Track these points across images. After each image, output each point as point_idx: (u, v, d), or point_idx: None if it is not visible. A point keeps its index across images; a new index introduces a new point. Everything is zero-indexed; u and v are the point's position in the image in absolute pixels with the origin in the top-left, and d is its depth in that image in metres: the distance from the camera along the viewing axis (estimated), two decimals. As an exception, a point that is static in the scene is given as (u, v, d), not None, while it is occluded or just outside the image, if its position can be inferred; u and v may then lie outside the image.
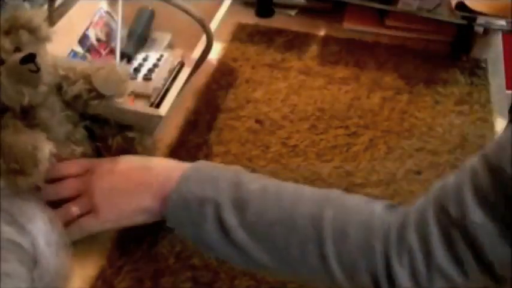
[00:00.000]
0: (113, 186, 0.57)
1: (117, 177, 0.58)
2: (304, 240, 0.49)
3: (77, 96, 0.64)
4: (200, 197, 0.51)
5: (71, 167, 0.61)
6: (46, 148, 0.58)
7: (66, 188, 0.60)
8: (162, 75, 0.83)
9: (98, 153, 0.70)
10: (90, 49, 0.86)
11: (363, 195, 0.53)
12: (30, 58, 0.56)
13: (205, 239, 0.52)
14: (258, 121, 0.79)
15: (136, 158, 0.61)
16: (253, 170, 0.71)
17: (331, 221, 0.49)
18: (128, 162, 0.60)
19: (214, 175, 0.54)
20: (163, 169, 0.57)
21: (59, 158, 0.60)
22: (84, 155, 0.67)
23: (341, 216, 0.49)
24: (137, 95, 0.81)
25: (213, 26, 0.79)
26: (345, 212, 0.50)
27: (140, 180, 0.57)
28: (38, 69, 0.57)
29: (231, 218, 0.50)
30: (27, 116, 0.61)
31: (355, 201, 0.52)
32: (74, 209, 0.58)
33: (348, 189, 0.69)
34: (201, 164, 0.57)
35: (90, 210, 0.57)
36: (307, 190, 0.53)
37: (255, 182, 0.53)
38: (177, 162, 0.58)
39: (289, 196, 0.52)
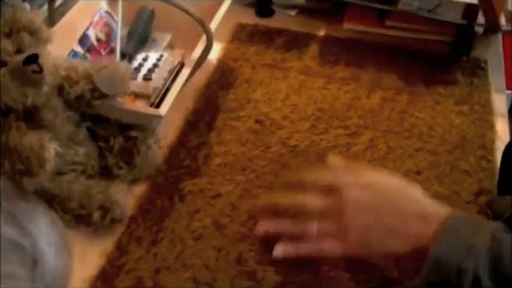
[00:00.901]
0: (366, 226, 0.55)
1: (370, 217, 0.55)
2: None
3: (80, 97, 0.64)
4: (458, 266, 0.50)
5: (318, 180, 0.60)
6: (52, 147, 0.58)
7: (312, 204, 0.58)
8: (162, 75, 0.83)
9: (100, 154, 0.70)
10: (90, 49, 0.86)
11: None
12: (33, 59, 0.56)
13: None
14: (258, 121, 0.79)
15: (385, 194, 0.56)
16: (253, 170, 0.72)
17: None
18: (377, 197, 0.56)
19: (473, 241, 0.51)
20: (417, 216, 0.54)
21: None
22: (87, 156, 0.68)
23: None
24: (137, 95, 0.81)
25: (213, 26, 0.79)
26: None
27: (393, 224, 0.54)
28: (41, 70, 0.57)
29: None
30: (31, 117, 0.61)
31: None
32: (318, 228, 0.57)
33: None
34: (457, 220, 0.53)
35: (333, 235, 0.56)
36: None
37: None
38: (430, 205, 0.55)
39: None
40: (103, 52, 0.88)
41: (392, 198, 0.56)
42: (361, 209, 0.56)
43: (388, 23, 0.97)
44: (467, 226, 0.53)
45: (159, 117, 0.69)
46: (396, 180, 0.58)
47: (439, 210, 0.55)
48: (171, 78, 0.82)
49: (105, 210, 0.63)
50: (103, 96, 0.64)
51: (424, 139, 0.76)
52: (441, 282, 0.51)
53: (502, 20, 0.89)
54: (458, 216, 0.54)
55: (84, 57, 0.84)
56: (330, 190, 0.58)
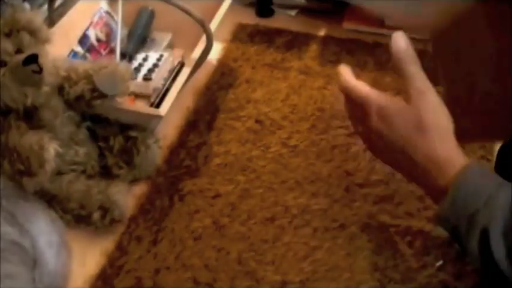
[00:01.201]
0: (382, 153, 0.58)
1: (385, 148, 0.57)
2: None
3: (80, 97, 0.64)
4: (470, 217, 0.49)
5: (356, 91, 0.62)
6: (51, 148, 0.58)
7: (349, 110, 0.63)
8: (162, 75, 0.83)
9: (100, 154, 0.70)
10: (90, 49, 0.86)
11: None
12: (33, 59, 0.57)
13: (463, 248, 0.51)
14: (258, 121, 0.79)
15: (400, 134, 0.56)
16: (253, 170, 0.72)
17: None
18: (393, 134, 0.56)
19: (489, 194, 0.50)
20: (431, 161, 0.53)
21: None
22: (87, 156, 0.68)
23: None
24: (137, 95, 0.81)
25: (213, 26, 0.79)
26: None
27: (404, 165, 0.55)
28: (41, 70, 0.57)
29: (499, 250, 0.48)
30: (31, 117, 0.61)
31: None
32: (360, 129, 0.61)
33: (348, 189, 0.69)
34: (473, 172, 0.51)
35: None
36: None
37: None
38: (447, 150, 0.53)
39: None
40: (103, 52, 0.88)
41: (405, 141, 0.55)
42: (378, 139, 0.57)
43: (388, 22, 0.97)
44: (491, 176, 0.52)
45: (159, 117, 0.69)
46: (426, 114, 0.56)
47: (456, 158, 0.53)
48: (171, 78, 0.82)
49: (105, 210, 0.63)
50: (103, 96, 0.64)
51: (424, 139, 0.76)
52: (451, 230, 0.51)
53: None
54: (482, 166, 0.53)
55: (84, 57, 0.84)
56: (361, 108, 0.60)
